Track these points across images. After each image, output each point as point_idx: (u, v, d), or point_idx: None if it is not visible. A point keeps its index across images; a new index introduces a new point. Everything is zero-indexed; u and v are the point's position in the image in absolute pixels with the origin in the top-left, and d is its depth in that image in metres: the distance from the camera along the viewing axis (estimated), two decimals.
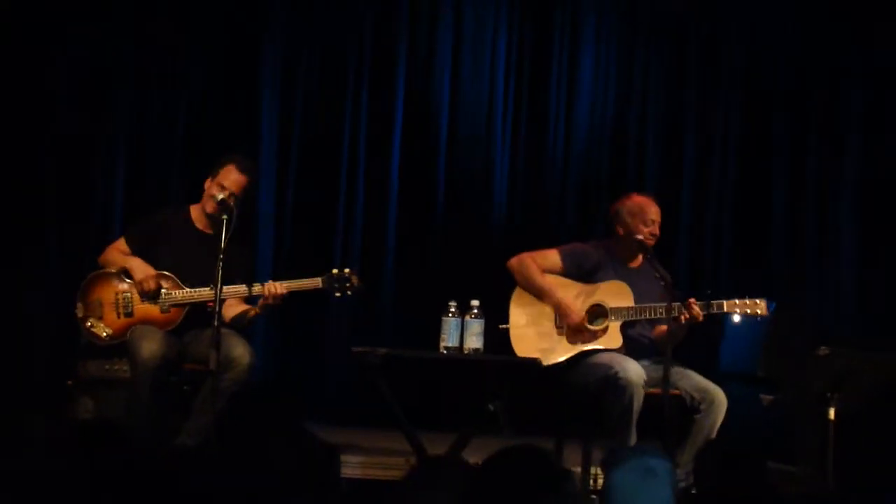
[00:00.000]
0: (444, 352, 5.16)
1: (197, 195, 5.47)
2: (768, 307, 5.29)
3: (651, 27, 7.18)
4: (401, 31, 7.06)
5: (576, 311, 5.35)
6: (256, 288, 5.20)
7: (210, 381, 4.93)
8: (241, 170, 5.35)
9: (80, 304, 5.31)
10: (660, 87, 7.19)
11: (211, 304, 4.92)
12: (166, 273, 5.30)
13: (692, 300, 5.15)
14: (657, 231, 5.43)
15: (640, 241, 5.36)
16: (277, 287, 5.18)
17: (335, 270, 5.24)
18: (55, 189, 6.50)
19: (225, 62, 6.82)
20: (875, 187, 6.97)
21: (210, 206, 5.30)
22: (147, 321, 5.27)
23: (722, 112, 7.16)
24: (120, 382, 5.24)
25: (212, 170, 5.38)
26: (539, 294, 5.42)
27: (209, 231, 5.42)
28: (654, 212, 5.45)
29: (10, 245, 6.33)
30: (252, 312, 5.30)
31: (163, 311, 5.29)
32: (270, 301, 5.20)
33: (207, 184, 5.38)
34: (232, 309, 5.36)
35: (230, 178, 5.31)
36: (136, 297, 5.30)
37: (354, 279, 5.23)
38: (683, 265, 6.91)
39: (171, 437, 5.11)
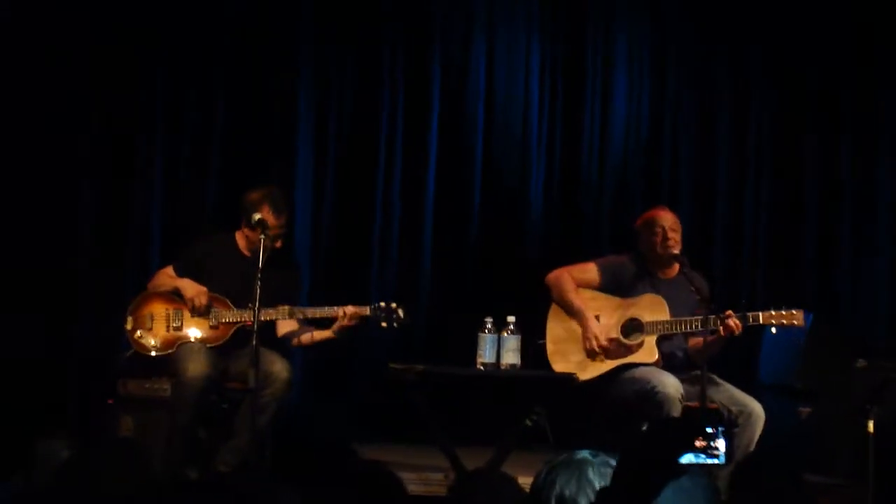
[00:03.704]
0: (481, 368, 5.17)
1: (235, 221, 5.51)
2: (805, 318, 5.27)
3: (680, 43, 7.17)
4: (433, 55, 7.08)
5: (601, 334, 5.33)
6: (327, 311, 5.26)
7: (249, 400, 4.97)
8: (277, 211, 5.36)
9: (129, 318, 5.38)
10: (692, 102, 7.17)
11: (250, 322, 4.96)
12: (218, 296, 5.35)
13: (729, 312, 5.13)
14: (676, 238, 5.40)
15: (675, 255, 5.36)
16: (349, 310, 5.23)
17: (383, 303, 5.27)
18: (92, 211, 6.56)
19: (259, 95, 6.85)
20: None
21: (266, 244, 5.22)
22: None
23: (754, 124, 7.13)
24: (160, 402, 5.28)
25: (245, 214, 5.38)
26: (571, 313, 5.43)
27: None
28: (665, 222, 5.42)
29: (48, 266, 6.38)
30: (320, 336, 5.35)
31: (211, 326, 5.35)
32: (347, 322, 5.23)
33: (247, 231, 5.39)
34: (286, 326, 5.40)
35: (271, 220, 5.31)
36: (187, 312, 5.35)
37: (401, 312, 5.25)
38: (720, 277, 6.87)
39: (211, 456, 5.15)
